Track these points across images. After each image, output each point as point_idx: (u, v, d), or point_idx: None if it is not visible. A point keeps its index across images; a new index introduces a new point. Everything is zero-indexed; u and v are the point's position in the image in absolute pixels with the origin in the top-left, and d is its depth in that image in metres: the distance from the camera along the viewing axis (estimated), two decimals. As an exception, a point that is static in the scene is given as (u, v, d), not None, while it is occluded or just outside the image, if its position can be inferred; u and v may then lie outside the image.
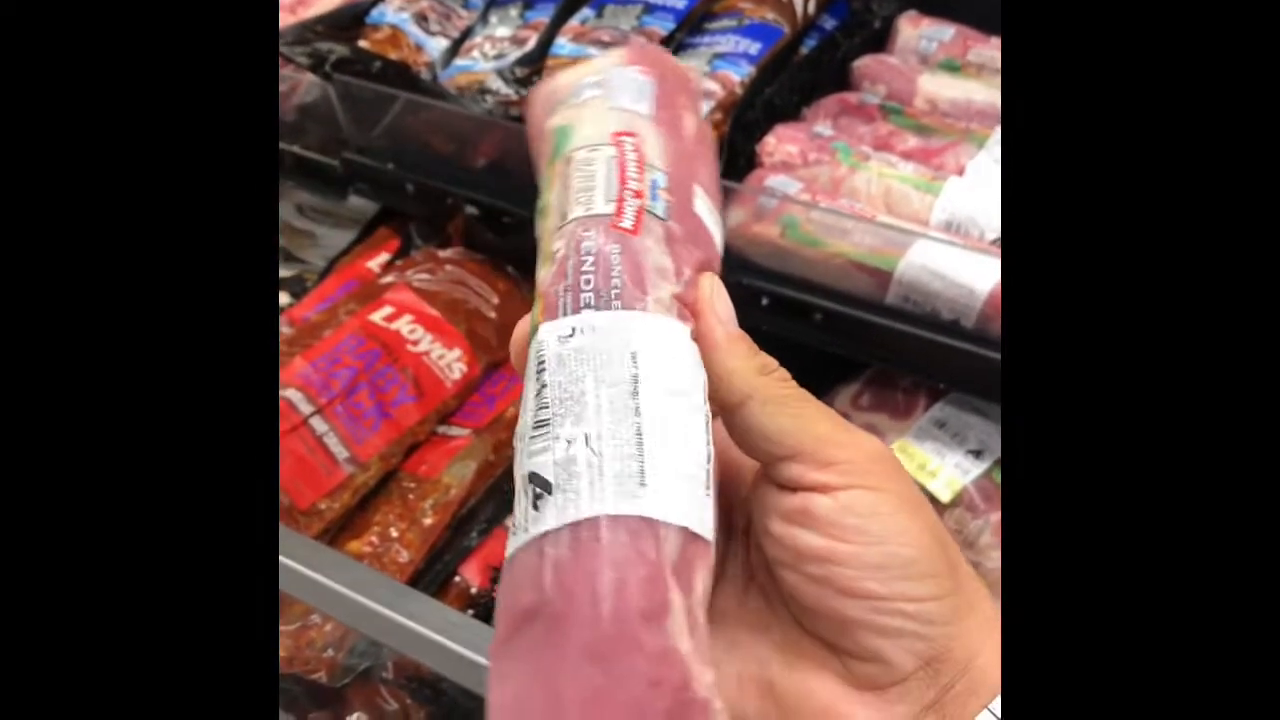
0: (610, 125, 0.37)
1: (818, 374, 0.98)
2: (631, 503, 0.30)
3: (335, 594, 0.73)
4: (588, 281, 0.33)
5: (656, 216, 0.35)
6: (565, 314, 0.32)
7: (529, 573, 0.30)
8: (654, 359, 0.32)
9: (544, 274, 0.34)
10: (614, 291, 0.33)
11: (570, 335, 0.32)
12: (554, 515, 0.30)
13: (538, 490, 0.31)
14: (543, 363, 0.32)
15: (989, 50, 1.02)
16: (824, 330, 0.87)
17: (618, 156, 0.36)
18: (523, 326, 0.35)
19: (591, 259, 0.33)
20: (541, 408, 0.31)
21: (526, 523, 0.31)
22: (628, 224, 0.34)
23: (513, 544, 0.31)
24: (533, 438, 0.31)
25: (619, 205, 0.34)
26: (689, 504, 0.31)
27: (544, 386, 0.32)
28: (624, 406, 0.31)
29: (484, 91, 1.02)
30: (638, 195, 0.35)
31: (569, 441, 0.31)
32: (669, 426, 0.31)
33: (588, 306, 0.32)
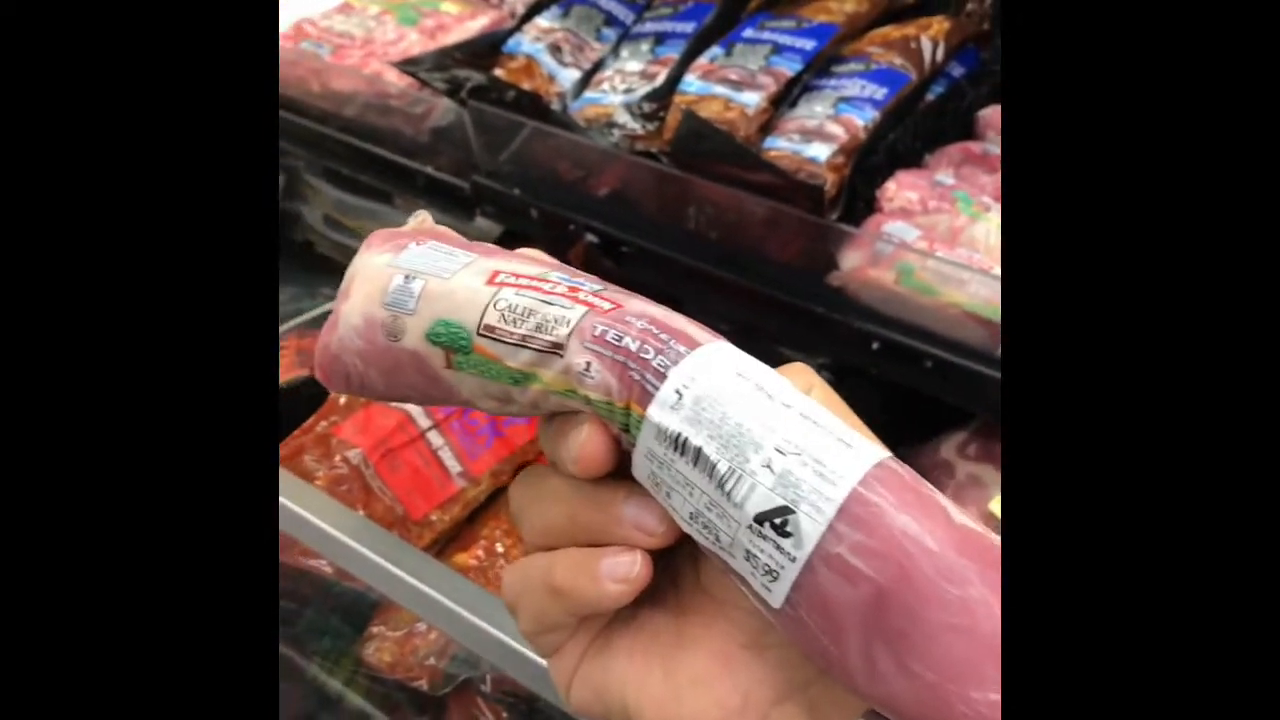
0: (475, 282, 0.36)
1: (925, 420, 0.98)
2: (858, 462, 0.31)
3: (438, 604, 0.75)
4: (647, 352, 0.33)
5: (597, 290, 0.35)
6: (658, 388, 0.32)
7: (830, 583, 0.30)
8: (750, 367, 0.33)
9: (590, 391, 0.33)
10: (671, 344, 0.33)
11: (679, 397, 0.32)
12: (812, 521, 0.30)
13: (776, 520, 0.31)
14: (678, 436, 0.32)
15: (1119, 104, 1.01)
16: (934, 377, 0.86)
17: (528, 287, 0.35)
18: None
19: (631, 339, 0.33)
20: (713, 468, 0.31)
21: (783, 557, 0.31)
22: (608, 305, 0.34)
23: (778, 589, 0.31)
24: (728, 496, 0.31)
25: (587, 302, 0.34)
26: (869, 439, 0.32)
27: (700, 450, 0.32)
28: (777, 409, 0.32)
29: (611, 125, 1.05)
30: (574, 290, 0.35)
31: (766, 465, 0.31)
32: (808, 399, 0.32)
33: (667, 368, 0.33)
